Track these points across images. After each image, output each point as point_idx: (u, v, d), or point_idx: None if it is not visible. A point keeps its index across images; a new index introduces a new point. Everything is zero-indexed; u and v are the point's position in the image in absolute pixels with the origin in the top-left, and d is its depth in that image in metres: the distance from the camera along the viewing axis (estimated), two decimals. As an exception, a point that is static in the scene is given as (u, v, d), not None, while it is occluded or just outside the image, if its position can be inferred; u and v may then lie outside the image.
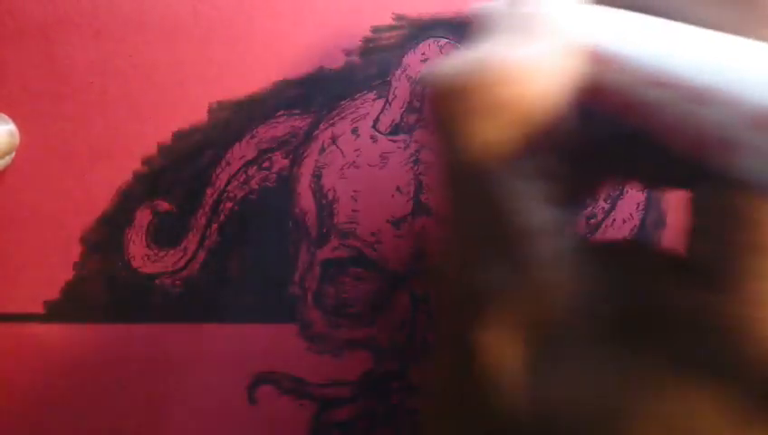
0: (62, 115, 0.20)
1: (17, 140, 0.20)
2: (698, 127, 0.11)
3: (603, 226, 0.22)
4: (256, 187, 0.21)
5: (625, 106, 0.12)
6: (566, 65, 0.11)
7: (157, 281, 0.21)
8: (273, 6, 0.20)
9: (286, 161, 0.21)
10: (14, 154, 0.20)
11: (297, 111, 0.21)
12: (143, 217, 0.21)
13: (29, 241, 0.21)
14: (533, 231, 0.11)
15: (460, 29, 0.21)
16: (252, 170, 0.21)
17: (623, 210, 0.22)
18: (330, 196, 0.21)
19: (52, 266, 0.21)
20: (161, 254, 0.21)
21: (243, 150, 0.21)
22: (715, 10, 0.12)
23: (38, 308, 0.21)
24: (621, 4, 0.12)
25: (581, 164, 0.15)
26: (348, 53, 0.21)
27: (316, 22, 0.21)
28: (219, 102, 0.21)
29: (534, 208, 0.11)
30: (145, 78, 0.20)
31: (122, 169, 0.21)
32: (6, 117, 0.20)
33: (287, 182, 0.21)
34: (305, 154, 0.21)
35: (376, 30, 0.21)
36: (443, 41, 0.21)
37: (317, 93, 0.21)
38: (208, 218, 0.21)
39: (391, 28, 0.21)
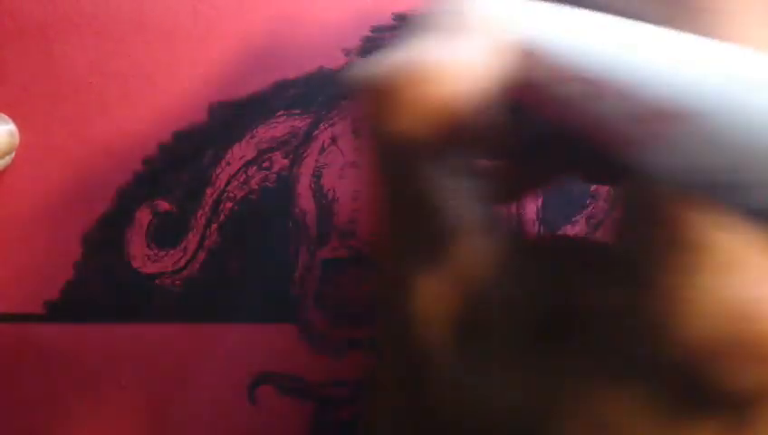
0: (62, 115, 0.20)
1: (17, 140, 0.20)
2: (598, 122, 0.11)
3: (603, 226, 0.22)
4: (256, 187, 0.21)
5: (545, 102, 0.12)
6: (492, 62, 0.11)
7: (157, 281, 0.21)
8: (273, 7, 0.20)
9: (286, 161, 0.21)
10: (14, 154, 0.20)
11: (297, 111, 0.21)
12: (143, 217, 0.21)
13: (29, 241, 0.21)
14: (460, 229, 0.11)
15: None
16: (252, 170, 0.21)
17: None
18: (330, 196, 0.21)
19: (52, 266, 0.21)
20: (161, 254, 0.21)
21: (243, 150, 0.21)
22: (648, 2, 0.12)
23: (38, 308, 0.21)
24: None
25: (521, 160, 0.15)
26: (348, 53, 0.21)
27: (316, 22, 0.21)
28: (219, 102, 0.21)
29: (462, 206, 0.11)
30: (145, 78, 0.20)
31: (122, 169, 0.21)
32: (6, 117, 0.20)
33: (287, 182, 0.21)
34: (305, 154, 0.21)
35: (376, 30, 0.21)
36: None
37: (317, 93, 0.21)
38: (208, 218, 0.21)
39: (391, 28, 0.21)
